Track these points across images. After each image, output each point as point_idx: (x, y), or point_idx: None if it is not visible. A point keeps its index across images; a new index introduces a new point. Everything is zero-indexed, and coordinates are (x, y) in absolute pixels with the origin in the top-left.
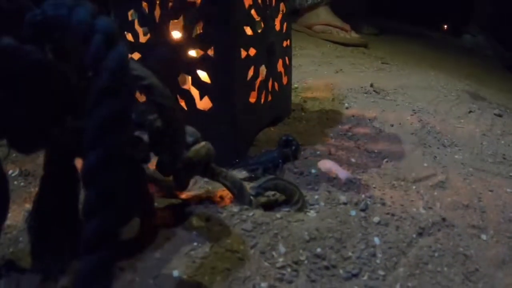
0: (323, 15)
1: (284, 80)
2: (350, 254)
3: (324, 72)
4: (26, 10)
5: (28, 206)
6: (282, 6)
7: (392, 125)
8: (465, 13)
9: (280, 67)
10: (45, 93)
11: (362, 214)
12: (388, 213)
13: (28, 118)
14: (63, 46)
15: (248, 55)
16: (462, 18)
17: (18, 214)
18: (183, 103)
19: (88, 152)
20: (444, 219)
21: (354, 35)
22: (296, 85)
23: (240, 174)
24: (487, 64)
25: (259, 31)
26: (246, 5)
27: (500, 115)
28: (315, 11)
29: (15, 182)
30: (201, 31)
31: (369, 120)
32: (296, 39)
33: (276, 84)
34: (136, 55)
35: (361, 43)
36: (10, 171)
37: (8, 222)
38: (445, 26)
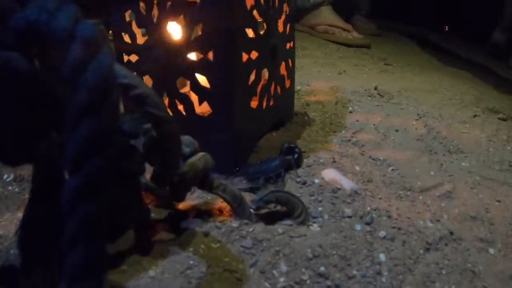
0: (325, 15)
1: (287, 83)
2: (354, 272)
3: (327, 73)
4: (10, 12)
5: (21, 214)
6: (285, 7)
7: (397, 130)
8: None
9: (283, 70)
10: (28, 104)
11: (368, 228)
12: (394, 227)
13: (10, 130)
14: (48, 53)
15: (249, 59)
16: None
17: (10, 222)
18: (181, 108)
19: (68, 177)
20: (451, 233)
21: (356, 35)
22: (299, 88)
23: (240, 183)
24: (491, 66)
25: (262, 33)
26: (248, 6)
27: (504, 120)
28: (317, 11)
29: (10, 188)
30: (200, 33)
31: (374, 125)
32: (299, 39)
33: (278, 88)
34: (133, 57)
35: (363, 43)
36: (5, 176)
37: (0, 231)
38: (446, 28)
